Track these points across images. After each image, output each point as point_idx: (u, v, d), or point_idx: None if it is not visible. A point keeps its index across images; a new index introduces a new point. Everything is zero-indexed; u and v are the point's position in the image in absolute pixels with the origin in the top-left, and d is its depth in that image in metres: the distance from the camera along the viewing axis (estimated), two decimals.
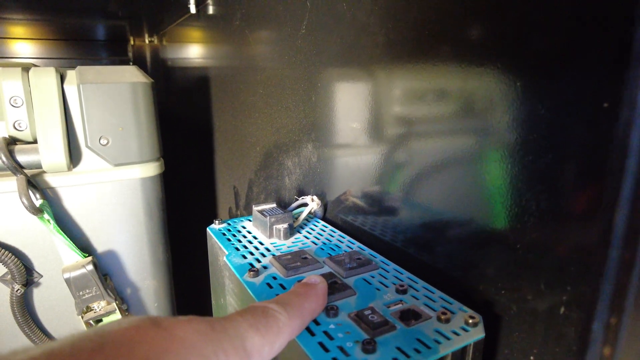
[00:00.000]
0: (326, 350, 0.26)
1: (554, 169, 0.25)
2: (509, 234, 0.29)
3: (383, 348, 0.26)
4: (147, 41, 1.47)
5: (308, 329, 0.28)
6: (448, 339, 0.27)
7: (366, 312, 0.29)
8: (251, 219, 0.49)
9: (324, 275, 0.34)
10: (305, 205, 0.49)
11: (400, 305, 0.31)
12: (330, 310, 0.29)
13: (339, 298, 0.31)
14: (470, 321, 0.29)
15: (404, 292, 0.33)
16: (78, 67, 0.63)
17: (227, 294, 0.41)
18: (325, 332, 0.28)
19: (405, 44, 0.36)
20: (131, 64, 1.65)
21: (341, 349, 0.26)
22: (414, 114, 0.36)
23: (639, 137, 0.14)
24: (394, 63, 0.38)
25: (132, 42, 1.63)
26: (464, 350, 0.27)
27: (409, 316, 0.29)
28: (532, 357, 0.29)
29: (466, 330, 0.28)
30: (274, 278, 0.35)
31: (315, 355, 0.26)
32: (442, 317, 0.29)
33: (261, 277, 0.35)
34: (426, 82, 0.34)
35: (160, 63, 1.38)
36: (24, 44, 1.48)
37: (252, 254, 0.40)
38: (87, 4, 1.25)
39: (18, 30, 1.50)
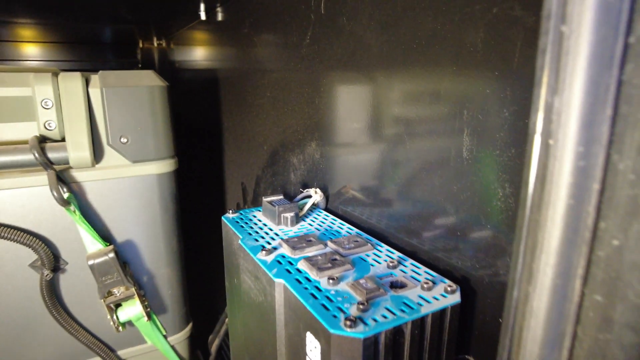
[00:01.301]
0: (327, 309, 0.32)
1: (515, 161, 0.31)
2: (482, 218, 0.35)
3: (374, 308, 0.32)
4: (155, 44, 1.53)
5: (312, 294, 0.34)
6: (429, 302, 0.33)
7: (361, 281, 0.35)
8: (261, 210, 0.55)
9: (325, 254, 0.40)
10: (310, 197, 0.55)
11: (390, 277, 0.37)
12: (331, 280, 0.35)
13: (338, 271, 0.37)
14: (449, 289, 0.34)
15: (394, 267, 0.38)
16: (100, 71, 0.69)
17: (241, 273, 0.46)
18: (327, 297, 0.33)
19: (396, 56, 0.41)
20: (140, 66, 1.71)
21: (339, 308, 0.32)
22: (406, 115, 0.42)
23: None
24: (387, 71, 0.43)
25: (140, 45, 1.69)
26: (443, 312, 0.33)
27: (397, 285, 0.35)
28: (501, 320, 0.35)
29: (445, 297, 0.34)
30: (283, 257, 0.41)
31: (319, 314, 0.31)
32: (425, 286, 0.35)
33: (272, 256, 0.41)
34: (416, 88, 0.40)
35: (168, 66, 1.44)
36: (35, 48, 1.54)
37: (263, 237, 0.46)
38: (98, 9, 1.31)
39: (32, 33, 1.56)
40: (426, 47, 0.38)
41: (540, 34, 0.17)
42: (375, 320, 0.30)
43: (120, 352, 0.75)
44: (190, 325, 0.83)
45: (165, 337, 0.78)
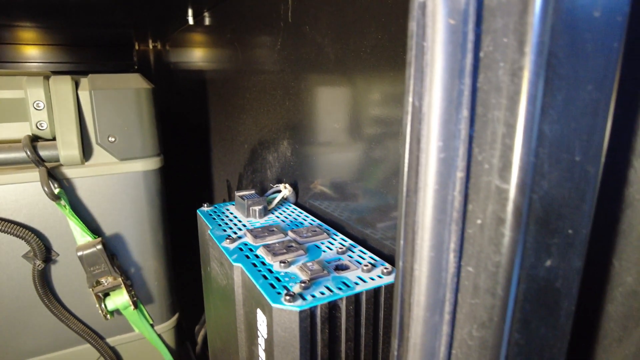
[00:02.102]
0: (274, 287, 0.36)
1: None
2: None
3: (315, 286, 0.36)
4: (151, 46, 1.58)
5: (264, 275, 0.38)
6: (364, 282, 0.37)
7: (308, 264, 0.39)
8: (234, 204, 0.59)
9: (283, 241, 0.44)
10: (279, 191, 0.59)
11: (338, 262, 0.41)
12: (282, 263, 0.39)
13: (292, 256, 0.41)
14: (385, 271, 0.38)
15: (343, 253, 0.42)
16: (89, 75, 0.73)
17: (211, 261, 0.51)
18: (276, 278, 0.38)
19: (348, 62, 0.45)
20: (136, 67, 1.75)
21: (285, 287, 0.36)
22: (358, 117, 0.46)
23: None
24: (342, 76, 0.47)
25: (137, 47, 1.73)
26: (377, 290, 0.37)
27: (342, 268, 0.39)
28: None
29: (380, 277, 0.38)
30: (245, 244, 0.45)
31: (266, 291, 0.35)
32: (365, 268, 0.39)
33: (235, 244, 0.45)
34: (364, 92, 0.44)
35: (164, 67, 1.48)
36: (36, 50, 1.59)
37: (231, 228, 0.50)
38: (96, 13, 1.36)
39: (30, 36, 1.61)
40: (370, 54, 0.42)
41: (407, 49, 0.22)
42: (313, 296, 0.34)
43: (109, 340, 0.80)
44: (177, 315, 0.88)
45: (152, 325, 0.83)
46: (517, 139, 0.21)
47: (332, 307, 0.35)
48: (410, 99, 0.22)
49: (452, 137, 0.22)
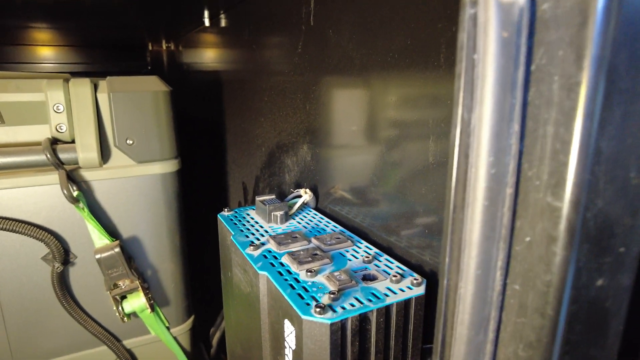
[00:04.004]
0: (302, 298, 0.35)
1: None
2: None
3: (344, 297, 0.35)
4: (164, 47, 1.58)
5: (290, 285, 0.37)
6: (395, 293, 0.36)
7: (336, 274, 0.38)
8: (254, 208, 0.58)
9: (308, 249, 0.43)
10: (300, 196, 0.59)
11: (364, 271, 0.40)
12: (309, 272, 0.39)
13: (317, 265, 0.41)
14: (415, 282, 0.38)
15: (369, 262, 0.42)
16: (108, 77, 0.73)
17: (233, 267, 0.50)
18: (304, 287, 0.37)
19: (374, 67, 0.45)
20: (149, 68, 1.76)
21: (313, 297, 0.35)
22: (384, 122, 0.45)
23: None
24: (367, 80, 0.47)
25: (150, 48, 1.74)
26: (407, 302, 0.36)
27: (369, 278, 0.39)
28: None
29: (410, 289, 0.37)
30: (269, 251, 0.45)
31: (295, 302, 0.35)
32: (394, 278, 0.38)
33: (259, 250, 0.45)
34: (391, 97, 0.43)
35: (176, 68, 1.48)
36: (49, 51, 1.60)
37: (253, 234, 0.50)
38: (109, 14, 1.36)
39: (44, 37, 1.62)
40: (399, 59, 0.41)
41: (457, 61, 0.21)
42: (343, 307, 0.34)
43: (125, 342, 0.80)
44: (192, 318, 0.88)
45: (168, 328, 0.83)
46: (572, 156, 0.20)
47: (362, 320, 0.34)
48: (460, 112, 0.21)
49: (503, 152, 0.21)
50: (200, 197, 1.31)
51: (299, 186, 0.66)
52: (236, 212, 0.58)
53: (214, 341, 0.95)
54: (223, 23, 0.94)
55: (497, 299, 0.23)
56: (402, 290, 0.37)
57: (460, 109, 0.21)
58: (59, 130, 0.68)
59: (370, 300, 0.35)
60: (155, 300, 0.80)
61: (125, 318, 0.74)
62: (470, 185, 0.21)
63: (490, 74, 0.20)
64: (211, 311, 1.04)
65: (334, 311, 0.33)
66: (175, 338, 0.84)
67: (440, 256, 0.24)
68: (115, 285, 0.73)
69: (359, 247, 0.46)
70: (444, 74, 0.36)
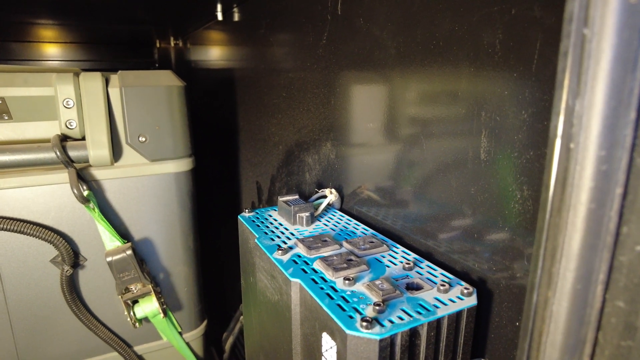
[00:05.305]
0: (343, 310, 0.32)
1: (534, 163, 0.31)
2: (499, 220, 0.35)
3: (390, 309, 0.32)
4: (172, 44, 1.55)
5: (328, 294, 0.34)
6: (445, 304, 0.33)
7: (377, 282, 0.35)
8: (276, 209, 0.55)
9: (341, 254, 0.40)
10: (325, 197, 0.55)
11: (406, 279, 0.37)
12: (346, 280, 0.35)
13: (354, 272, 0.37)
14: (465, 291, 0.34)
15: (410, 269, 0.38)
16: (120, 71, 0.70)
17: (257, 272, 0.47)
18: (343, 297, 0.34)
19: (413, 56, 0.41)
20: (157, 66, 1.73)
21: (355, 309, 0.32)
22: (423, 116, 0.42)
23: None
24: (403, 72, 0.43)
25: (158, 45, 1.71)
26: (459, 314, 0.33)
27: (413, 287, 0.35)
28: (517, 323, 0.35)
29: (461, 299, 0.34)
30: (299, 256, 0.41)
31: (336, 315, 0.31)
32: (442, 287, 0.34)
33: (288, 255, 0.41)
34: (433, 88, 0.40)
35: (185, 65, 1.45)
36: (56, 48, 1.57)
37: (278, 237, 0.46)
38: (116, 11, 1.33)
39: (51, 33, 1.59)
40: (444, 48, 0.37)
41: (562, 36, 0.17)
42: (391, 321, 0.30)
43: (136, 348, 0.77)
44: (205, 322, 0.84)
45: (180, 333, 0.79)
46: None
47: (412, 334, 0.31)
48: (564, 97, 0.18)
49: (616, 145, 0.17)
50: (212, 197, 1.28)
51: (320, 186, 0.63)
52: (257, 212, 0.55)
53: (227, 346, 0.91)
54: (237, 17, 0.91)
55: (594, 317, 0.20)
56: (453, 301, 0.33)
57: (564, 93, 0.18)
58: (69, 127, 0.65)
59: (419, 313, 0.31)
60: (168, 305, 0.77)
61: (137, 323, 0.71)
62: (573, 185, 0.18)
63: (607, 50, 0.16)
64: (224, 315, 1.01)
65: (382, 325, 0.30)
66: (187, 344, 0.81)
67: (530, 267, 0.20)
68: (127, 289, 0.70)
69: (396, 252, 0.42)
70: (499, 61, 0.32)
